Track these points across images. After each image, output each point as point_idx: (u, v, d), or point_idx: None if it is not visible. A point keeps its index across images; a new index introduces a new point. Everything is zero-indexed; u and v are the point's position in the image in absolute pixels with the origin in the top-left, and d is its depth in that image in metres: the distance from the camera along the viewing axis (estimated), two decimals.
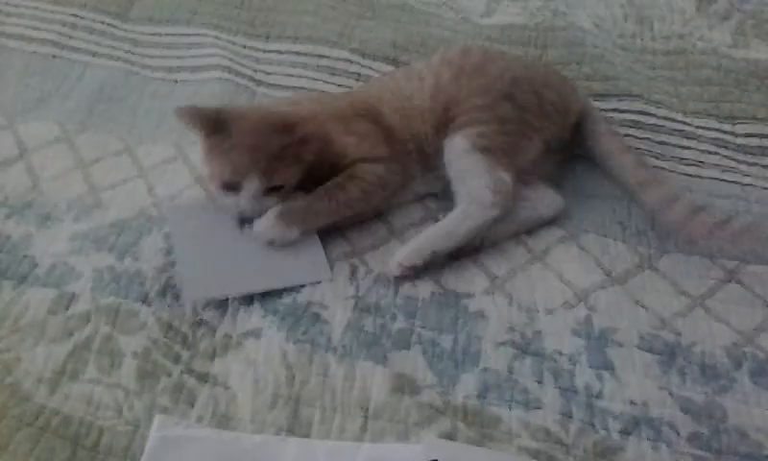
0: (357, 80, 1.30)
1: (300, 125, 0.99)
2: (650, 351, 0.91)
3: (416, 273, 0.99)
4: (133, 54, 1.36)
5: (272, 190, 1.00)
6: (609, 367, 0.90)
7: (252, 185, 0.98)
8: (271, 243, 0.99)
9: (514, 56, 1.28)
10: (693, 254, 1.03)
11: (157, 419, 0.83)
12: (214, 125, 0.98)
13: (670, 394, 0.87)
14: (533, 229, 1.05)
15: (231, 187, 0.99)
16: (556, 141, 1.09)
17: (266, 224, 0.99)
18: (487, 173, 1.01)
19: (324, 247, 1.02)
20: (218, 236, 1.03)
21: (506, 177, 1.01)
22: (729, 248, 0.99)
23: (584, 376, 0.89)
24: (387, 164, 1.05)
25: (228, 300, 0.96)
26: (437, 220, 1.06)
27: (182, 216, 1.06)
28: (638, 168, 1.07)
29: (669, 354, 0.91)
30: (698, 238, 1.00)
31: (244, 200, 0.99)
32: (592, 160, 1.13)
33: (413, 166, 1.08)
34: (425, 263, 0.98)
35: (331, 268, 1.00)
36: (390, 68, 1.31)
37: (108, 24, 1.42)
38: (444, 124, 1.06)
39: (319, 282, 0.98)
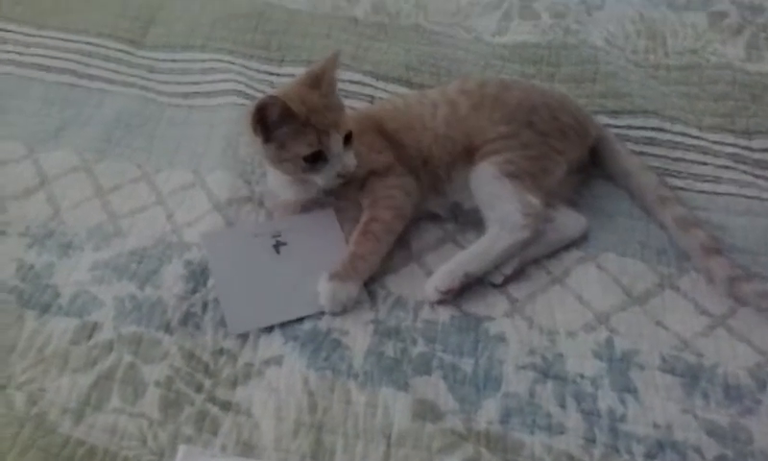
0: (371, 102, 1.30)
1: (322, 72, 1.02)
2: (672, 372, 0.91)
3: (453, 297, 0.99)
4: (149, 80, 1.38)
5: (345, 142, 1.01)
6: (631, 390, 0.90)
7: (336, 141, 1.00)
8: (341, 309, 0.98)
9: (530, 83, 1.28)
10: None
11: (182, 448, 0.84)
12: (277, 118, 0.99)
13: (694, 417, 0.87)
14: (559, 250, 1.05)
15: (317, 157, 1.00)
16: (576, 163, 1.10)
17: (326, 295, 0.98)
18: (516, 197, 1.02)
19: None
20: (256, 263, 1.03)
21: (534, 200, 1.02)
22: (746, 302, 0.98)
23: (606, 399, 0.89)
24: (397, 170, 1.07)
25: None
26: (455, 242, 1.08)
27: (217, 245, 1.06)
28: (659, 186, 1.09)
29: (692, 376, 0.91)
30: (716, 281, 0.99)
31: (335, 159, 1.01)
32: (612, 180, 1.14)
33: (420, 178, 1.09)
34: (461, 286, 0.99)
35: None
36: (403, 90, 1.32)
37: (124, 51, 1.43)
38: (464, 154, 1.07)
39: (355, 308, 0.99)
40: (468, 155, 1.07)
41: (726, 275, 0.98)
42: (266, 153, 1.03)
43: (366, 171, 1.06)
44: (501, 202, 1.03)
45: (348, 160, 1.02)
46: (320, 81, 1.02)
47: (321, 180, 1.03)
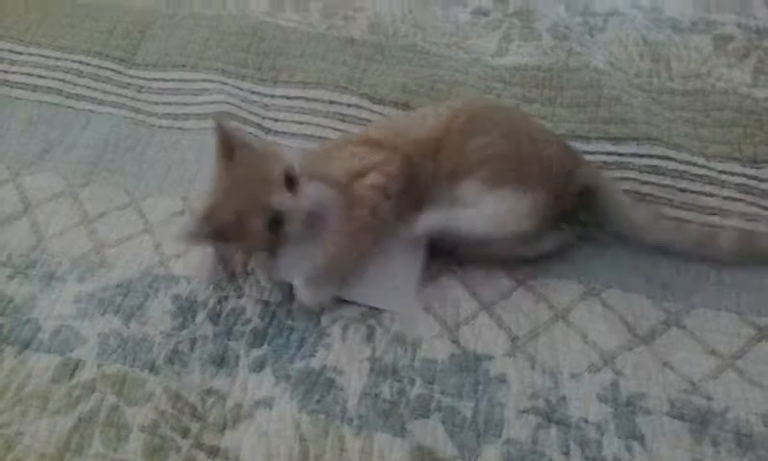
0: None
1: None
2: (681, 418, 0.87)
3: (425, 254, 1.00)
4: (139, 101, 1.33)
5: None
6: (638, 437, 0.85)
7: None
8: (317, 308, 0.98)
9: (523, 113, 1.22)
10: (720, 309, 0.98)
11: None
12: None
13: None
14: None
15: None
16: (549, 206, 1.01)
17: (302, 296, 0.97)
18: (509, 198, 0.99)
19: (339, 309, 0.99)
20: None
21: (532, 194, 0.99)
22: None
23: (612, 446, 0.85)
24: (379, 168, 1.02)
25: (238, 365, 0.93)
26: (453, 273, 1.04)
27: None
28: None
29: (701, 422, 0.87)
30: None
31: None
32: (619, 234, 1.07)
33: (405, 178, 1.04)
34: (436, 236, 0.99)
35: (346, 329, 0.97)
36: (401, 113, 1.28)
37: (114, 70, 1.39)
38: (439, 157, 1.03)
39: (399, 311, 0.98)
40: (452, 176, 1.02)
41: None
42: None
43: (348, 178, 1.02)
44: (496, 204, 0.99)
45: None
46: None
47: None
